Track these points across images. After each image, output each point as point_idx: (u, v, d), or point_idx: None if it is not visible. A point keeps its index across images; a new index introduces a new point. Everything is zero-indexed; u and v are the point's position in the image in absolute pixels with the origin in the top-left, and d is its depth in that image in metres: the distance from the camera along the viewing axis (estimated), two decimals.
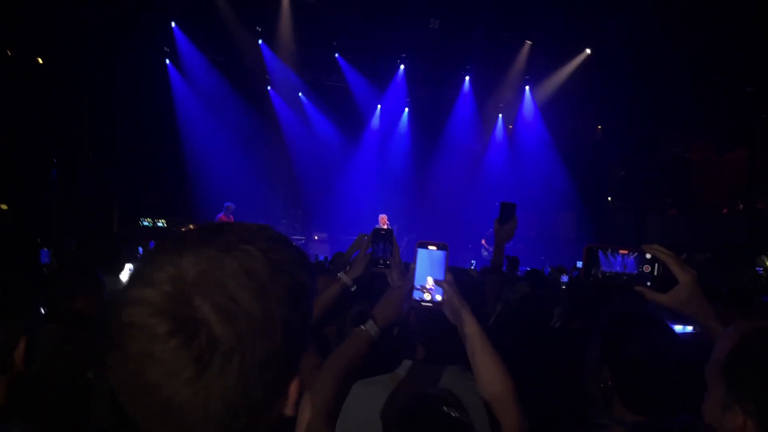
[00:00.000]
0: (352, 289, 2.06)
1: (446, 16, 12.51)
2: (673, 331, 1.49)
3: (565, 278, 7.16)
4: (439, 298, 1.46)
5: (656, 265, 1.25)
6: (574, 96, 14.20)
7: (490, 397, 1.39)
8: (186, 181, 12.92)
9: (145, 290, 0.66)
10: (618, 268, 1.28)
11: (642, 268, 1.26)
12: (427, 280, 1.46)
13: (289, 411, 0.74)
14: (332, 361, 1.49)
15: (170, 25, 12.51)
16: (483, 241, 13.31)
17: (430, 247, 1.47)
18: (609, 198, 15.90)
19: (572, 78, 13.93)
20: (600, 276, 1.28)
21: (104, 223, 11.70)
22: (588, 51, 13.55)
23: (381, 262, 1.75)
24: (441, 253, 1.46)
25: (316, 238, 14.00)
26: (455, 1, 11.90)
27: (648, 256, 1.26)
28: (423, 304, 1.46)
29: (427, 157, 15.41)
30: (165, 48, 12.85)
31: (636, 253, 1.27)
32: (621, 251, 1.28)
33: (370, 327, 1.50)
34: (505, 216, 2.74)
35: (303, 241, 13.82)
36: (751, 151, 13.29)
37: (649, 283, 1.25)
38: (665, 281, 1.24)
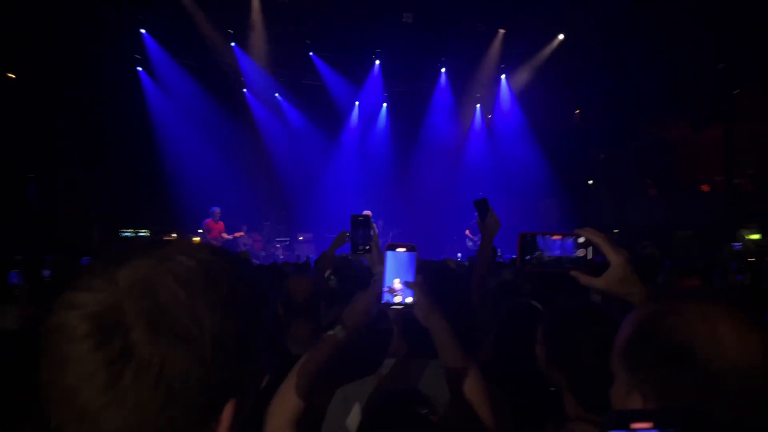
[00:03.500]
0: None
1: (419, 9, 12.48)
2: (616, 324, 1.50)
3: None
4: (409, 300, 1.41)
5: (589, 248, 1.24)
6: (550, 82, 14.24)
7: (462, 396, 1.38)
8: (166, 189, 12.78)
9: (80, 295, 0.65)
10: (556, 253, 1.25)
11: (577, 252, 1.24)
12: (394, 282, 1.41)
13: None
14: (299, 367, 1.45)
15: (140, 31, 12.36)
16: (467, 232, 13.34)
17: (398, 249, 1.42)
18: (590, 182, 16.00)
19: (547, 64, 13.98)
20: (539, 262, 1.25)
21: (84, 238, 11.53)
22: (561, 36, 13.60)
23: (361, 248, 1.73)
24: (410, 255, 1.42)
25: (300, 238, 13.95)
26: None
27: (581, 240, 1.24)
28: (393, 307, 1.42)
29: (408, 151, 15.41)
30: (136, 55, 12.69)
31: (571, 238, 1.25)
32: (554, 236, 1.26)
33: (338, 331, 1.46)
34: (482, 212, 2.74)
35: (288, 243, 13.77)
36: (727, 127, 13.45)
37: (583, 268, 1.23)
38: (600, 264, 1.22)
